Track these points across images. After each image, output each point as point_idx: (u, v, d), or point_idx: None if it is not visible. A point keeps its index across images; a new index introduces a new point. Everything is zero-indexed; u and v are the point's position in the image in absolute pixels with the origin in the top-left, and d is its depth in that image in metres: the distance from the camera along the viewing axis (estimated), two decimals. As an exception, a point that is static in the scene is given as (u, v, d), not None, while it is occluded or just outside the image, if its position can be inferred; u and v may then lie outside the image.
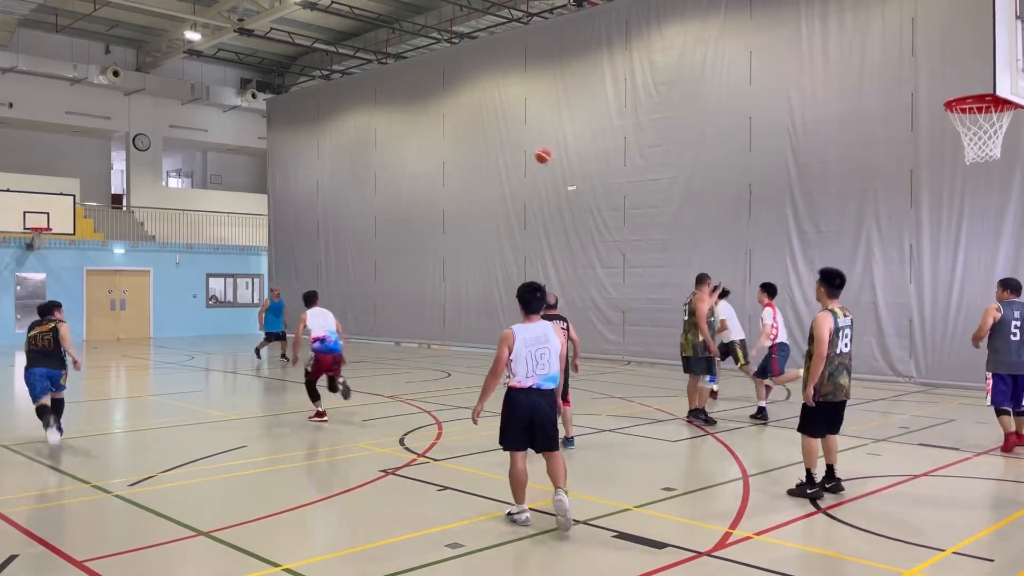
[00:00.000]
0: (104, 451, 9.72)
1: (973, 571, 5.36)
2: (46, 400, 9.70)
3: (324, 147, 27.28)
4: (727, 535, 6.00)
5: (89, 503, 7.05)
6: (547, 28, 21.21)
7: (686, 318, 10.70)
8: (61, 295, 25.61)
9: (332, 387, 11.16)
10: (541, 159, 11.47)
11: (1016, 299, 9.03)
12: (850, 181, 15.37)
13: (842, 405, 7.15)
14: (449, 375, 16.53)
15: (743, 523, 6.30)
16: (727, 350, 12.00)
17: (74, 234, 25.71)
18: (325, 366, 10.96)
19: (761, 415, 11.10)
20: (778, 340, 11.21)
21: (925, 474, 7.99)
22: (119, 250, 27.45)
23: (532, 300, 6.28)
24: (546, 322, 6.29)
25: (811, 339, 7.02)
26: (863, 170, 15.19)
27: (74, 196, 26.37)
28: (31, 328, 10.19)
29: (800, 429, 7.21)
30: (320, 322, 11.15)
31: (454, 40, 25.44)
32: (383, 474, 7.92)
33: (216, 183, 35.73)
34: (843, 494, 7.07)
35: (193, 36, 26.31)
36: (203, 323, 28.94)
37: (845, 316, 7.11)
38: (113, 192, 34.02)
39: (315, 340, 11.01)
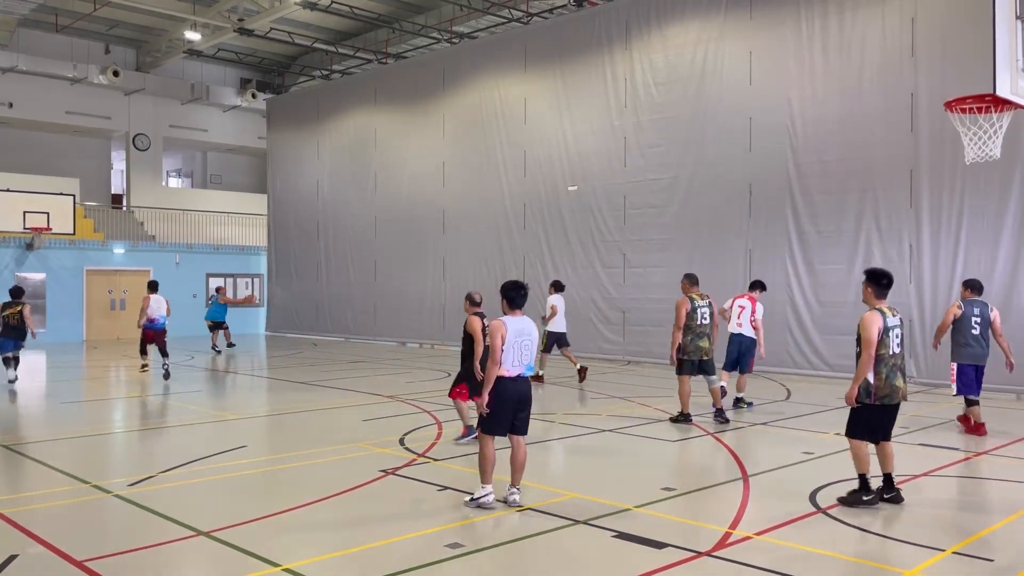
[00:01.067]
0: (104, 451, 9.72)
1: (973, 571, 5.36)
2: (10, 355, 14.87)
3: (324, 147, 27.28)
4: (727, 535, 6.00)
5: (89, 503, 7.05)
6: (547, 28, 21.21)
7: (707, 321, 10.79)
8: (61, 295, 25.71)
9: (162, 353, 15.71)
10: None
11: (977, 298, 10.05)
12: (850, 181, 15.36)
13: (896, 409, 6.94)
14: (449, 375, 16.51)
15: (743, 523, 6.30)
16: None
17: (74, 234, 25.70)
18: (149, 338, 15.79)
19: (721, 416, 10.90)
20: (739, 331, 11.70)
21: (925, 474, 7.99)
22: (119, 250, 27.44)
23: (517, 296, 6.96)
24: (527, 318, 6.90)
25: (859, 340, 6.85)
26: (863, 170, 15.19)
27: (74, 196, 26.36)
28: (4, 308, 14.75)
29: (849, 434, 6.98)
30: (155, 306, 15.68)
31: (454, 40, 25.44)
32: (383, 474, 7.92)
33: (216, 183, 35.72)
34: (842, 494, 7.06)
35: (193, 36, 26.31)
36: (203, 323, 28.87)
37: (894, 316, 6.90)
38: (113, 192, 34.02)
39: (149, 320, 15.60)
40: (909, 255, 14.71)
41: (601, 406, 12.34)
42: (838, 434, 9.94)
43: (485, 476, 6.69)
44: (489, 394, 6.70)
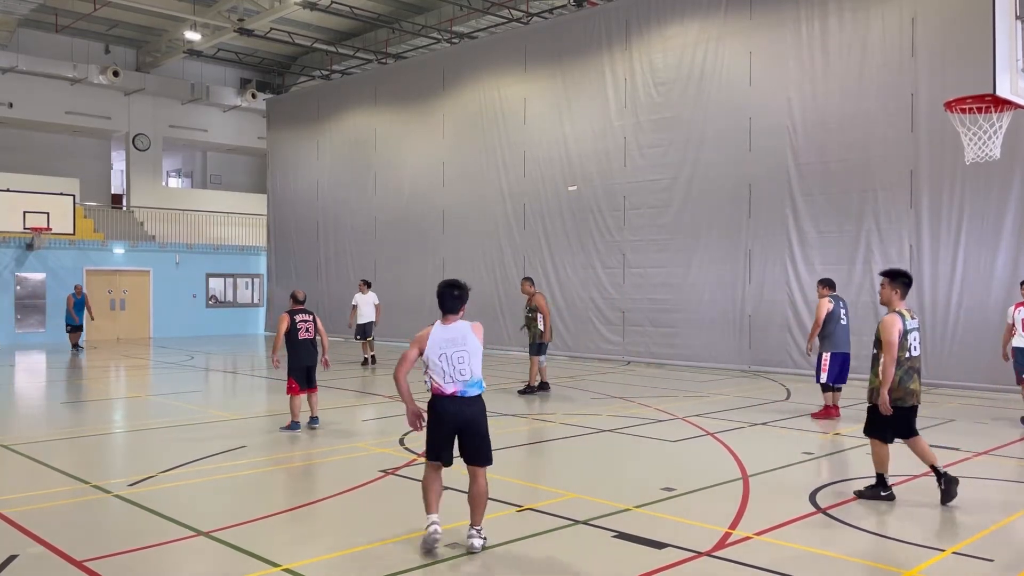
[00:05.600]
0: (104, 451, 9.72)
1: (973, 571, 5.36)
2: None
3: (324, 147, 27.29)
4: (727, 535, 5.99)
5: (89, 503, 7.05)
6: (547, 28, 21.21)
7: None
8: (61, 295, 25.64)
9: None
10: None
11: (834, 293, 11.25)
12: (850, 181, 15.37)
13: (913, 411, 6.98)
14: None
15: (743, 523, 6.30)
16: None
17: (74, 234, 25.69)
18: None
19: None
20: None
21: (925, 474, 7.98)
22: (119, 250, 27.44)
23: (448, 298, 5.85)
24: (465, 323, 5.86)
25: (877, 342, 6.88)
26: (863, 170, 15.19)
27: (74, 196, 26.35)
28: None
29: (869, 433, 7.09)
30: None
31: (454, 40, 25.44)
32: (383, 474, 7.91)
33: (216, 183, 35.72)
34: (841, 493, 7.06)
35: (193, 36, 26.31)
36: (203, 323, 28.93)
37: (912, 318, 6.96)
38: (113, 192, 34.01)
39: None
40: (909, 255, 14.71)
41: (601, 406, 12.34)
42: (838, 434, 9.96)
43: (427, 506, 5.69)
44: (428, 412, 5.75)
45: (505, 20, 24.08)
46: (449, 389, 5.63)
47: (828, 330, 10.96)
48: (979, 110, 9.55)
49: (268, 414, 12.21)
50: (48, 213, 24.54)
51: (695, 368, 17.11)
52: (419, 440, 9.56)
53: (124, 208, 31.60)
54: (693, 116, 17.60)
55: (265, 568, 5.36)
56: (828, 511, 6.63)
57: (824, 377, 10.96)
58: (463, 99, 22.62)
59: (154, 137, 31.77)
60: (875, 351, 6.96)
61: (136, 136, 31.33)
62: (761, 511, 6.62)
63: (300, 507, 6.84)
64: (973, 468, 8.28)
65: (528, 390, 13.47)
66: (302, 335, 10.32)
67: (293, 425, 10.23)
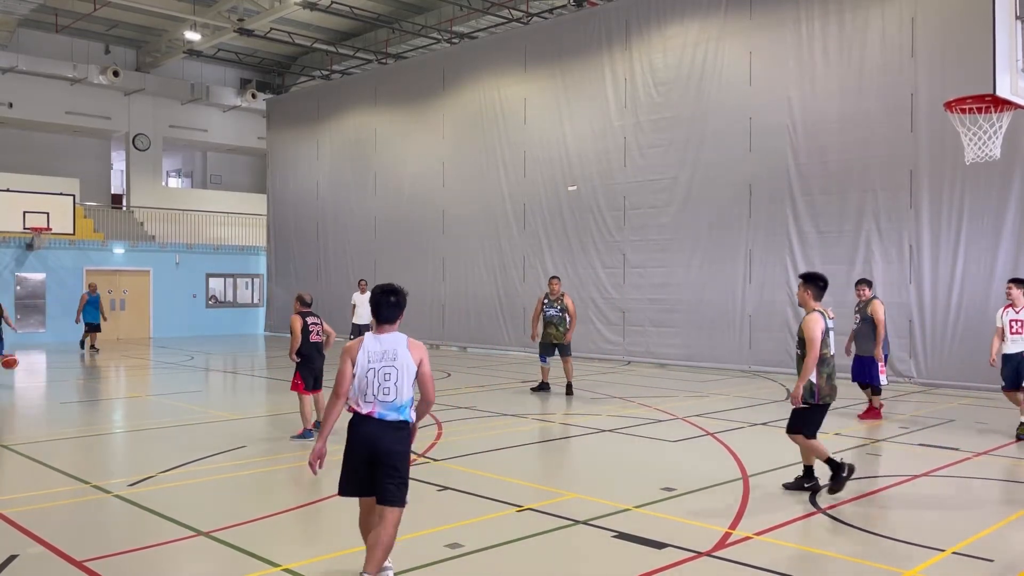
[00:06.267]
0: (104, 451, 9.72)
1: (973, 571, 5.36)
2: None
3: (324, 147, 27.28)
4: (727, 535, 6.00)
5: (89, 503, 7.05)
6: (547, 28, 21.21)
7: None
8: (61, 295, 25.68)
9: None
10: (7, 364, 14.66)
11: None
12: (850, 181, 15.37)
13: (829, 407, 7.24)
14: (449, 375, 16.53)
15: (743, 523, 6.30)
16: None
17: (74, 234, 25.70)
18: None
19: None
20: None
21: (925, 474, 7.99)
22: (119, 250, 27.44)
23: (384, 305, 4.97)
24: (401, 336, 4.97)
25: (800, 342, 7.04)
26: (863, 170, 15.19)
27: (74, 196, 26.36)
28: None
29: (796, 431, 7.20)
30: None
31: (454, 40, 25.44)
32: (383, 474, 7.90)
33: (216, 183, 35.71)
34: (837, 496, 7.06)
35: (193, 36, 26.30)
36: (203, 323, 28.93)
37: (830, 317, 7.18)
38: (113, 192, 34.01)
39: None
40: (909, 255, 14.71)
41: (601, 406, 12.34)
42: (838, 434, 9.96)
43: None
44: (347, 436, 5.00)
45: (505, 20, 24.07)
46: (366, 408, 4.86)
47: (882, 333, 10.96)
48: (979, 110, 9.55)
49: (268, 414, 12.21)
50: (48, 213, 24.55)
51: (695, 368, 17.11)
52: (419, 440, 9.58)
53: (124, 208, 31.60)
54: (693, 116, 17.60)
55: (265, 568, 5.36)
56: (828, 511, 6.63)
57: (884, 379, 10.98)
58: (463, 99, 22.62)
59: (154, 137, 31.76)
60: (799, 351, 7.10)
61: (136, 136, 31.32)
62: (761, 511, 6.62)
63: (300, 507, 6.84)
64: (973, 468, 8.28)
65: (569, 388, 13.47)
66: (313, 338, 10.18)
67: (306, 433, 9.83)
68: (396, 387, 4.85)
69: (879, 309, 10.93)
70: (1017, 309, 9.74)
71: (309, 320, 10.21)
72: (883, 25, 14.97)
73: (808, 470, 7.26)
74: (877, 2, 15.05)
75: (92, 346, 21.93)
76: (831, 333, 7.12)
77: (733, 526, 6.22)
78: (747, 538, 5.93)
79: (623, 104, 18.89)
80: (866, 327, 11.00)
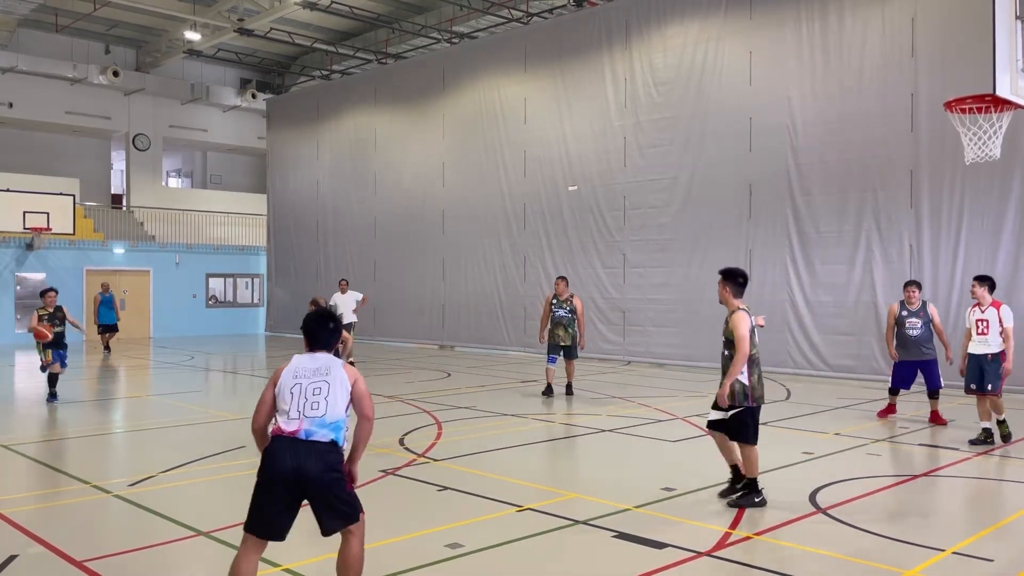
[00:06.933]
0: (104, 451, 9.72)
1: (973, 571, 5.36)
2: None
3: (324, 147, 27.28)
4: (727, 535, 6.00)
5: (89, 503, 7.05)
6: (547, 28, 21.21)
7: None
8: (61, 295, 25.52)
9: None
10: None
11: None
12: (850, 181, 15.36)
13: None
14: (449, 375, 16.53)
15: (743, 523, 6.30)
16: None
17: (74, 234, 25.70)
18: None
19: None
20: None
21: (925, 474, 7.99)
22: (119, 250, 27.44)
23: (322, 331, 4.61)
24: (335, 359, 4.58)
25: (727, 341, 6.82)
26: (863, 170, 15.19)
27: (74, 196, 26.35)
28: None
29: (742, 439, 6.80)
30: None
31: (454, 40, 25.44)
32: (383, 474, 7.91)
33: (216, 183, 35.72)
34: (841, 494, 7.06)
35: (193, 36, 26.31)
36: (203, 323, 28.93)
37: (753, 315, 6.98)
38: (113, 192, 34.01)
39: None
40: (909, 255, 14.71)
41: (601, 406, 12.33)
42: (838, 434, 9.96)
43: None
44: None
45: (505, 20, 24.07)
46: (290, 427, 4.29)
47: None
48: (979, 110, 9.55)
49: (268, 414, 12.20)
50: (48, 213, 24.55)
51: (695, 368, 17.10)
52: (419, 440, 9.59)
53: (124, 208, 31.60)
54: (693, 116, 17.60)
55: (265, 568, 5.36)
56: (828, 511, 6.63)
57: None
58: (463, 99, 22.62)
59: (154, 137, 31.77)
60: (726, 352, 6.84)
61: (136, 136, 31.32)
62: (761, 511, 6.62)
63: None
64: (973, 468, 8.28)
65: (569, 389, 13.31)
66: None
67: None
68: (327, 401, 4.33)
69: (935, 312, 10.68)
70: (983, 308, 9.34)
71: None
72: (883, 25, 14.97)
73: (736, 470, 6.95)
74: (877, 2, 15.05)
75: (106, 347, 21.91)
76: (756, 332, 6.92)
77: (733, 526, 6.22)
78: (747, 538, 5.93)
79: (623, 104, 18.89)
80: (928, 330, 10.57)
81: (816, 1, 15.81)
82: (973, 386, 9.29)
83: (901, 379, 10.85)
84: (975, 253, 13.99)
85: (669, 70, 18.06)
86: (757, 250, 16.65)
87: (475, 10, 23.94)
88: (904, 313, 10.63)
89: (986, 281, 9.46)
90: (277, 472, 4.23)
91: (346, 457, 4.53)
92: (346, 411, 4.48)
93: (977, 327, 9.30)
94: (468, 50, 23.37)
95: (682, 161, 17.78)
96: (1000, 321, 9.16)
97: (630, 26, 18.84)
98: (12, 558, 5.52)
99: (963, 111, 9.75)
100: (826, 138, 15.64)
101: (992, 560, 5.51)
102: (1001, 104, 9.30)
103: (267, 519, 4.29)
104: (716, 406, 6.92)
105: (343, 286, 18.69)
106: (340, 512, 4.38)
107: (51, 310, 13.16)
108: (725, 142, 17.06)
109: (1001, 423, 9.31)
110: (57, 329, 13.10)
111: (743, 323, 6.76)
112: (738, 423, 6.79)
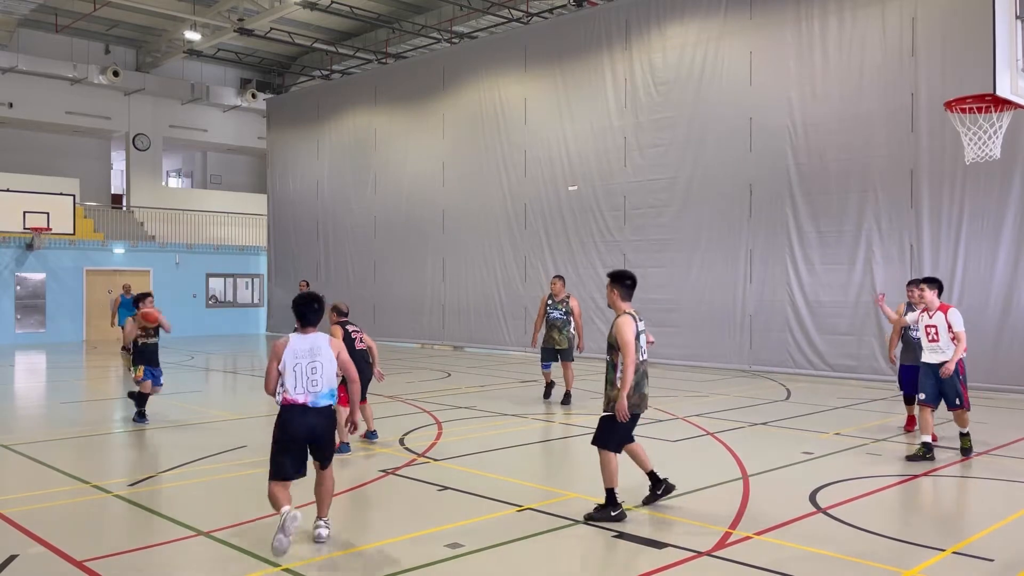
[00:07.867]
0: (104, 451, 9.72)
1: (973, 571, 5.36)
2: None
3: (324, 147, 27.28)
4: (727, 535, 5.99)
5: (89, 503, 7.05)
6: (547, 28, 21.21)
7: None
8: (61, 295, 25.69)
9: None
10: None
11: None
12: (850, 181, 15.37)
13: (638, 417, 6.62)
14: (449, 375, 16.53)
15: (743, 523, 6.30)
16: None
17: (74, 234, 25.69)
18: None
19: None
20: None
21: (925, 474, 7.99)
22: (119, 250, 27.44)
23: (309, 312, 5.88)
24: (321, 335, 5.91)
25: (611, 347, 6.55)
26: (863, 170, 15.20)
27: (74, 196, 26.36)
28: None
29: (601, 445, 6.51)
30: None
31: (454, 40, 25.44)
32: (383, 474, 7.91)
33: (216, 183, 35.73)
34: (841, 494, 7.06)
35: (193, 36, 26.31)
36: (203, 323, 28.93)
37: (639, 320, 6.73)
38: (113, 192, 34.02)
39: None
40: (909, 255, 14.71)
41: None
42: (838, 434, 9.96)
43: (277, 505, 5.70)
44: (277, 425, 5.82)
45: (505, 20, 24.07)
46: (301, 399, 5.72)
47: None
48: (979, 110, 9.55)
49: (269, 414, 12.20)
50: (48, 213, 24.55)
51: (695, 368, 17.10)
52: (419, 440, 9.59)
53: (124, 208, 31.60)
54: (693, 116, 17.60)
55: (265, 568, 5.36)
56: (828, 511, 6.63)
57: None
58: (463, 99, 22.62)
59: (154, 137, 31.77)
60: (609, 356, 6.57)
61: (136, 136, 31.32)
62: (761, 511, 6.62)
63: (300, 507, 6.82)
64: (973, 468, 8.27)
65: (567, 398, 12.64)
66: (358, 345, 9.26)
67: (343, 447, 8.89)
68: (323, 378, 5.77)
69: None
70: (931, 313, 8.56)
71: (350, 328, 9.32)
72: (883, 25, 14.97)
73: (653, 476, 6.75)
74: (877, 2, 15.05)
75: (124, 348, 21.62)
76: (642, 336, 6.66)
77: (733, 526, 6.22)
78: (747, 538, 5.93)
79: (623, 104, 18.89)
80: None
81: (816, 1, 15.82)
82: (922, 396, 8.62)
83: (911, 384, 9.75)
84: (975, 253, 13.99)
85: (669, 70, 18.07)
86: (757, 250, 16.65)
87: (475, 10, 23.93)
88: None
89: (934, 283, 8.72)
90: (295, 434, 5.73)
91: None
92: (336, 377, 5.93)
93: (927, 334, 8.57)
94: (468, 50, 23.38)
95: (682, 161, 17.78)
96: (950, 326, 8.45)
97: (630, 26, 18.84)
98: (12, 558, 5.52)
99: (963, 111, 9.75)
100: (826, 138, 15.64)
101: (992, 560, 5.51)
102: (1001, 104, 9.31)
103: (291, 468, 5.76)
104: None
105: (303, 286, 18.71)
106: (330, 454, 5.98)
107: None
108: (725, 142, 17.06)
109: (964, 436, 8.75)
110: (150, 340, 11.35)
111: (628, 328, 6.52)
112: (601, 426, 6.57)
